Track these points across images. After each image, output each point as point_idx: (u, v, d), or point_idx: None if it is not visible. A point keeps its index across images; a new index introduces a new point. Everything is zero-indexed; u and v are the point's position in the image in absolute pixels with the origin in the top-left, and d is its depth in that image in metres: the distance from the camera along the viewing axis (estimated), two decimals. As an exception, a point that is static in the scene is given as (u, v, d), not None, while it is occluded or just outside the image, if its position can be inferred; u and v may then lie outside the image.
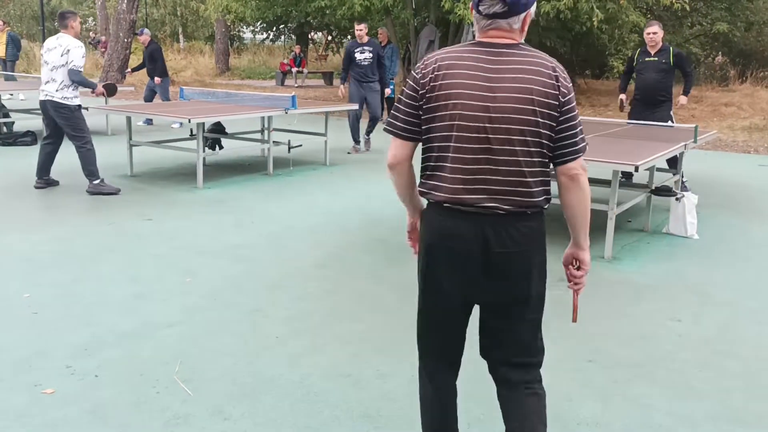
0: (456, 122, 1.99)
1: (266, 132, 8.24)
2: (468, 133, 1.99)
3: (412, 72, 2.11)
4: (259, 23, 28.45)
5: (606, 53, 16.81)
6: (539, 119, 1.97)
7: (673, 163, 7.04)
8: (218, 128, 8.63)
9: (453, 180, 2.02)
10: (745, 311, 4.15)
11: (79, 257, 4.83)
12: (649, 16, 18.84)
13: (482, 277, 2.05)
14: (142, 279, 4.45)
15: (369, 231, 5.61)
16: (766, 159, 10.21)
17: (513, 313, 2.12)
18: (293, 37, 32.65)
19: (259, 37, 37.44)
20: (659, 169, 6.83)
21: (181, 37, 37.93)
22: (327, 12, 14.15)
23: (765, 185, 8.11)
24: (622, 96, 7.71)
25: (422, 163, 2.13)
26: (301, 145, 8.66)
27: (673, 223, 5.78)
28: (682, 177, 7.54)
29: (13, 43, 15.75)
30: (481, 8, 2.02)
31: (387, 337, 3.65)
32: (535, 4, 2.06)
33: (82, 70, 6.51)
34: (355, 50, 9.70)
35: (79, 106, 6.67)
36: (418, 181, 2.17)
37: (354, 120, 9.83)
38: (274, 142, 8.12)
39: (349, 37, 32.88)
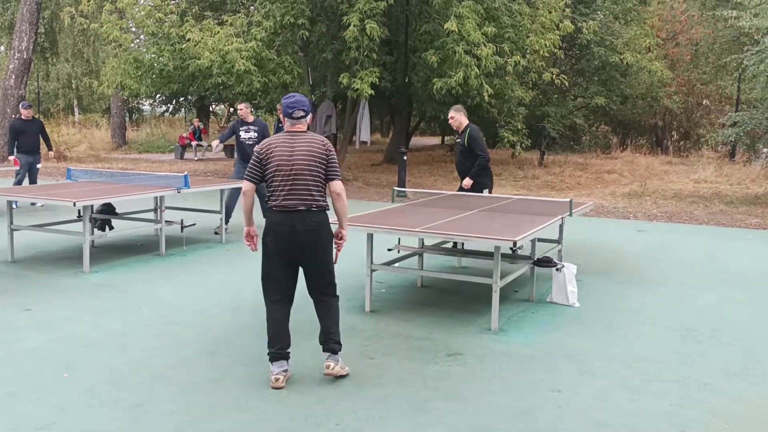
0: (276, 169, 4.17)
1: (158, 211, 8.10)
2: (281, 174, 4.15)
3: (258, 147, 4.26)
4: (158, 96, 28.20)
5: (496, 125, 17.71)
6: (319, 164, 4.18)
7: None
8: (108, 208, 8.40)
9: (278, 196, 4.18)
10: (620, 379, 4.36)
11: (-54, 355, 4.53)
12: (536, 91, 20.06)
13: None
14: (15, 377, 4.21)
15: (261, 312, 5.54)
16: (643, 224, 10.92)
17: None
18: (194, 109, 32.50)
19: (159, 109, 37.04)
20: (544, 240, 7.17)
21: (76, 110, 36.97)
22: (224, 88, 14.24)
23: (642, 250, 8.64)
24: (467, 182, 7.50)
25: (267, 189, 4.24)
26: (194, 224, 8.55)
27: (555, 293, 6.05)
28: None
29: None
30: (293, 114, 4.22)
31: (273, 428, 3.60)
32: (310, 114, 4.28)
33: None
34: (240, 129, 9.53)
35: None
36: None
37: (230, 198, 9.27)
38: (166, 221, 7.99)
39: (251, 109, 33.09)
